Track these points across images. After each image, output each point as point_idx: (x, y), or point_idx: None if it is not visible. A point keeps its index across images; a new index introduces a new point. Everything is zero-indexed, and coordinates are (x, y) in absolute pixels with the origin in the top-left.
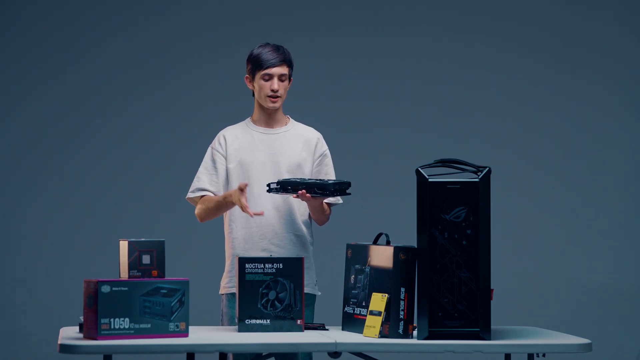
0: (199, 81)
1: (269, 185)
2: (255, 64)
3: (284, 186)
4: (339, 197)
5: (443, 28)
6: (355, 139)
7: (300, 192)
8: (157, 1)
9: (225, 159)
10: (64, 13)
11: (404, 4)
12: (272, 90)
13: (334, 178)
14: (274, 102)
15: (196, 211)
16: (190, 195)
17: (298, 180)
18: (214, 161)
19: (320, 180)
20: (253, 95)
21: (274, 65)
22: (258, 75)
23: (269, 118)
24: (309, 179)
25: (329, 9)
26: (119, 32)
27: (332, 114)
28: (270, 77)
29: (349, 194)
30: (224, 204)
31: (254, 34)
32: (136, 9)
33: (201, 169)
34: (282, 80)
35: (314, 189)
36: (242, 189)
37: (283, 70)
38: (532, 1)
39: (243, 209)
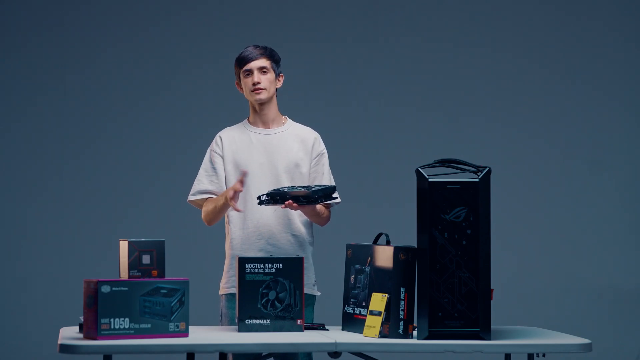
0: (198, 82)
1: (259, 197)
2: (238, 65)
3: (274, 197)
4: (338, 198)
5: (442, 29)
6: (355, 139)
7: (287, 202)
8: (155, 3)
9: (223, 160)
10: (63, 14)
11: (405, 5)
12: (253, 84)
13: (328, 179)
14: (258, 93)
15: (202, 215)
16: (190, 197)
17: (285, 191)
18: (212, 162)
19: (305, 189)
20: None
21: (251, 60)
22: (241, 75)
23: (264, 117)
24: (297, 187)
25: (329, 10)
26: (118, 34)
27: (332, 114)
28: (250, 72)
29: (335, 198)
30: (222, 204)
31: (252, 36)
32: (135, 10)
33: (201, 171)
34: (263, 73)
35: (300, 199)
36: (240, 181)
37: (262, 62)
38: (531, 2)
39: (229, 202)
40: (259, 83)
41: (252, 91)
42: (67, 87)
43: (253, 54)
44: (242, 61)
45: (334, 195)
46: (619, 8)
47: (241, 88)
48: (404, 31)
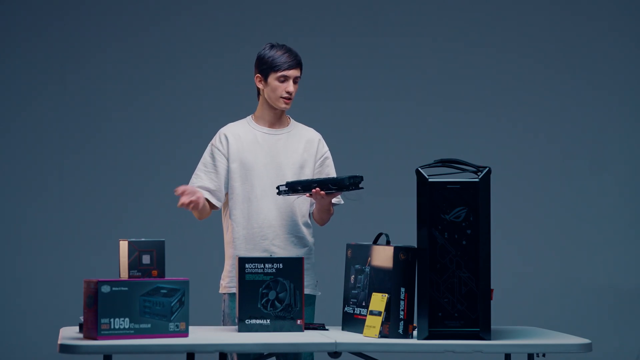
0: (197, 80)
1: (278, 187)
2: (271, 65)
3: (293, 187)
4: (341, 199)
5: (443, 28)
6: (355, 139)
7: (314, 190)
8: (155, 1)
9: (227, 158)
10: (63, 13)
11: (405, 4)
12: (288, 92)
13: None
14: (287, 103)
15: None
16: None
17: (309, 179)
18: (213, 159)
19: (332, 176)
20: (258, 94)
21: (291, 68)
22: (273, 76)
23: (274, 118)
24: (322, 177)
25: (330, 9)
26: (117, 31)
27: (332, 113)
28: (286, 78)
29: (362, 187)
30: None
31: (254, 33)
32: (136, 7)
33: (200, 166)
34: (295, 83)
35: (329, 185)
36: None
37: (298, 72)
38: (533, 1)
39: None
40: (292, 93)
41: (283, 98)
42: (66, 85)
43: (293, 61)
44: (280, 65)
45: (360, 185)
46: (620, 8)
47: (262, 83)
48: (404, 30)
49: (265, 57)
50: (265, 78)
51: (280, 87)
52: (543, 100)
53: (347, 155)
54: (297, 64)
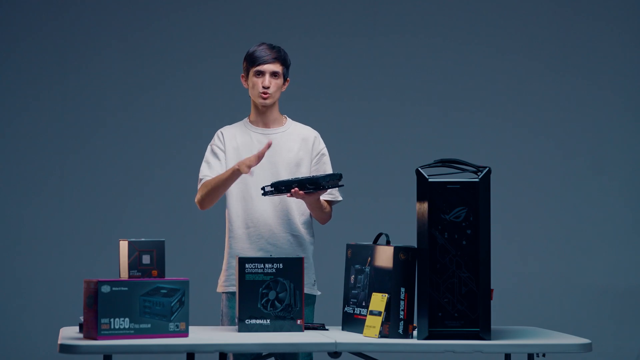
0: (198, 81)
1: (263, 188)
2: (249, 61)
3: (278, 187)
4: (338, 195)
5: (443, 27)
6: (355, 139)
7: (293, 190)
8: (155, 0)
9: (225, 154)
10: (63, 11)
11: (404, 3)
12: (264, 87)
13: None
14: (264, 98)
15: (196, 198)
16: (199, 187)
17: (290, 179)
18: (215, 154)
19: (311, 175)
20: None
21: (266, 62)
22: (251, 73)
23: (265, 118)
24: (301, 177)
25: (329, 8)
26: (117, 31)
27: (332, 114)
28: (262, 73)
29: (342, 185)
30: (227, 176)
31: (253, 34)
32: (135, 8)
33: (203, 164)
34: (274, 77)
35: (306, 185)
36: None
37: (275, 67)
38: (533, 1)
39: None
40: (268, 88)
41: (260, 93)
42: (66, 86)
43: (269, 56)
44: (255, 60)
45: (340, 183)
46: (620, 8)
47: (246, 82)
48: (404, 30)
49: (246, 55)
50: (247, 76)
51: (257, 82)
52: (543, 100)
53: (346, 155)
54: (273, 58)
